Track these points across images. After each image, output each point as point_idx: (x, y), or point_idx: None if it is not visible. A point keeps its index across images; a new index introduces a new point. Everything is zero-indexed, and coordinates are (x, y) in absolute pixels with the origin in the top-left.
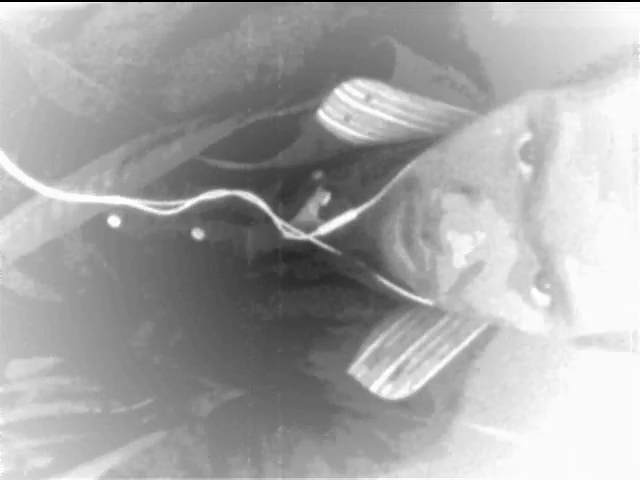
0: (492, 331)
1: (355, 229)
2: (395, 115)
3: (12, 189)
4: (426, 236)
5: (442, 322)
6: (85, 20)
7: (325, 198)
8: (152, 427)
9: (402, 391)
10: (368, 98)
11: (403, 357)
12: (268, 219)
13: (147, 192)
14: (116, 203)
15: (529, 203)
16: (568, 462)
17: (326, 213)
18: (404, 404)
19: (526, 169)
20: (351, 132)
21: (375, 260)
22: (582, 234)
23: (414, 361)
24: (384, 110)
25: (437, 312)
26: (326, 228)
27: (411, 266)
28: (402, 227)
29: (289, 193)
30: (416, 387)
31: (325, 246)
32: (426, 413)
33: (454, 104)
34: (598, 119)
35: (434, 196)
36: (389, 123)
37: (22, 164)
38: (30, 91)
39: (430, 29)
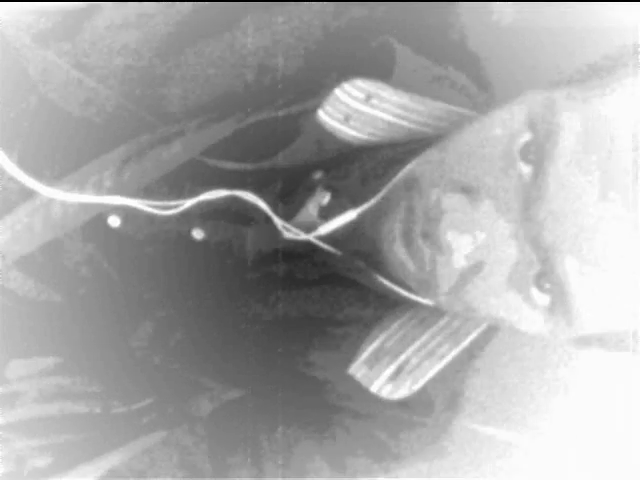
0: (492, 331)
1: (355, 229)
2: (395, 115)
3: (12, 189)
4: (426, 236)
5: (442, 322)
6: (85, 20)
7: (325, 198)
8: (152, 427)
9: (402, 391)
10: (368, 98)
11: (403, 357)
12: (268, 219)
13: (147, 192)
14: (116, 203)
15: (529, 203)
16: (568, 462)
17: (326, 213)
18: (404, 404)
19: (526, 169)
20: (351, 132)
21: (375, 260)
22: (582, 234)
23: (414, 361)
24: (384, 110)
25: (437, 312)
26: (326, 228)
27: (411, 266)
28: (402, 227)
29: (289, 193)
30: (416, 387)
31: (325, 246)
32: (426, 413)
33: (454, 104)
34: (598, 119)
35: (434, 196)
36: (389, 123)
37: (22, 164)
38: (30, 91)
39: (430, 29)
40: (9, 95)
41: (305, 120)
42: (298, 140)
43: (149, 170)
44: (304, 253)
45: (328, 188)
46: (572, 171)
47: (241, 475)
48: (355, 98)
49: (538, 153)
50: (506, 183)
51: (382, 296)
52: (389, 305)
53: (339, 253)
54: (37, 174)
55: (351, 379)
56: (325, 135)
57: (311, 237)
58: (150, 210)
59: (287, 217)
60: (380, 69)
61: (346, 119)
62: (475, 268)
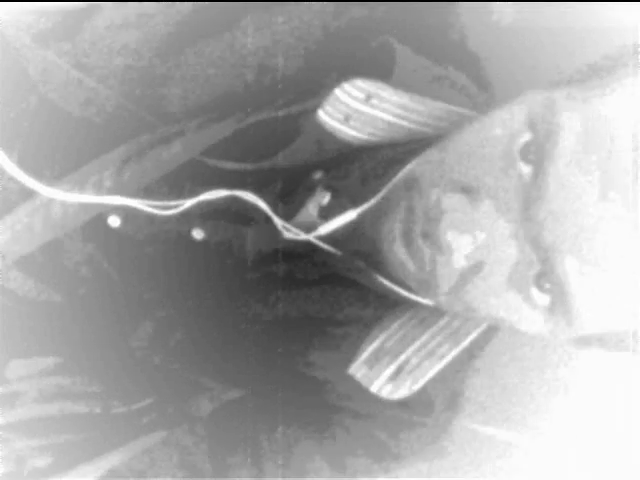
0: (492, 331)
1: (355, 229)
2: (395, 115)
3: (12, 189)
4: (426, 236)
5: (442, 322)
6: (85, 20)
7: (325, 198)
8: (152, 427)
9: (402, 391)
10: (368, 98)
11: (403, 357)
12: (268, 219)
13: (147, 192)
14: (116, 203)
15: (529, 203)
16: (568, 462)
17: (326, 213)
18: (404, 404)
19: (526, 169)
20: (351, 132)
21: (375, 260)
22: (582, 234)
23: (414, 361)
24: (384, 110)
25: (437, 312)
26: (326, 228)
27: (411, 266)
28: (402, 227)
29: (289, 193)
30: (416, 387)
31: (325, 246)
32: (426, 413)
33: (454, 104)
34: (598, 119)
35: (434, 196)
36: (389, 123)
37: (22, 164)
38: (30, 91)
39: (430, 29)
40: (9, 95)
41: (305, 120)
42: (298, 140)
43: (149, 170)
44: (304, 253)
45: (328, 188)
46: (572, 171)
47: (241, 475)
48: (355, 98)
49: (538, 153)
50: (506, 183)
51: (382, 296)
52: (389, 305)
53: (339, 253)
54: (37, 174)
55: (351, 379)
56: (325, 135)
57: (311, 237)
58: (150, 210)
59: (287, 217)
60: (380, 69)
61: (346, 119)
62: (475, 268)
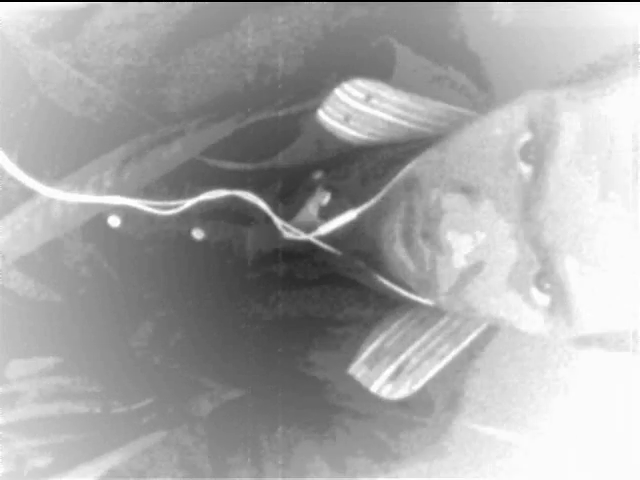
0: (492, 331)
1: (355, 229)
2: (395, 115)
3: (12, 189)
4: (426, 236)
5: (442, 322)
6: (85, 20)
7: (325, 198)
8: (152, 427)
9: (402, 391)
10: (368, 98)
11: (403, 357)
12: (268, 219)
13: (147, 192)
14: (116, 203)
15: (529, 203)
16: (568, 462)
17: (326, 213)
18: (404, 404)
19: (526, 169)
20: (351, 132)
21: (375, 260)
22: (582, 234)
23: (414, 361)
24: (384, 110)
25: (437, 312)
26: (326, 228)
27: (411, 266)
28: (402, 227)
29: (289, 193)
30: (416, 387)
31: (325, 246)
32: (426, 413)
33: (454, 104)
34: (598, 119)
35: (434, 196)
36: (389, 123)
37: (22, 164)
38: (30, 91)
39: (430, 29)
40: (9, 95)
41: (305, 120)
42: (298, 140)
43: (149, 170)
44: (304, 253)
45: (328, 188)
46: (572, 171)
47: (241, 475)
48: (355, 98)
49: (538, 153)
50: (506, 183)
51: (382, 296)
52: (389, 305)
53: (339, 253)
54: (37, 174)
55: (351, 379)
56: (325, 135)
57: (311, 237)
58: (150, 210)
59: (287, 217)
60: (380, 69)
61: (346, 119)
62: (475, 268)
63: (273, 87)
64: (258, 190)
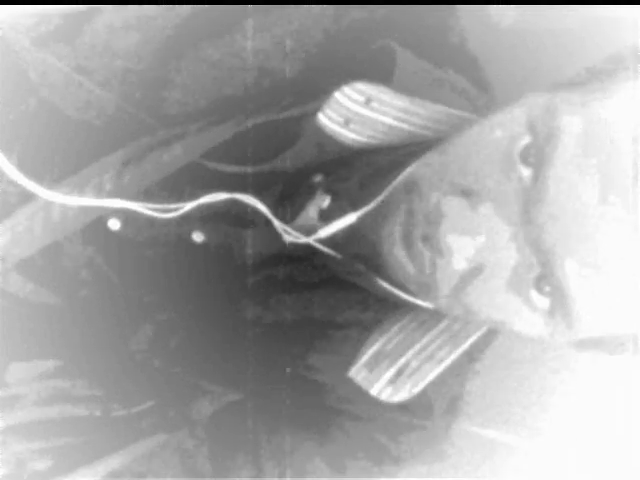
0: (492, 334)
1: (355, 232)
2: (395, 118)
3: (12, 192)
4: (426, 239)
5: (442, 325)
6: (85, 23)
7: (325, 201)
8: (152, 430)
9: (402, 394)
10: (368, 101)
11: (403, 360)
12: (268, 222)
13: (147, 195)
14: (116, 206)
15: (529, 206)
16: (568, 464)
17: (326, 216)
18: (404, 407)
19: (526, 172)
20: (351, 135)
21: (375, 263)
22: (582, 237)
23: (414, 364)
24: (384, 113)
25: (437, 315)
26: (326, 231)
27: (411, 269)
28: (402, 230)
29: (289, 196)
30: (416, 390)
31: (325, 249)
32: (426, 416)
33: (454, 107)
34: (598, 122)
35: (434, 199)
36: (389, 126)
37: (22, 167)
38: (30, 94)
39: (430, 32)
40: (9, 98)
41: (305, 123)
42: (298, 143)
43: (149, 173)
44: (304, 256)
45: (328, 191)
46: (572, 174)
47: (241, 477)
48: (355, 101)
49: (538, 156)
50: (506, 186)
51: (382, 299)
52: (389, 308)
53: (339, 256)
54: (37, 177)
55: (351, 382)
56: (325, 138)
57: (311, 240)
58: (150, 213)
59: (287, 220)
60: (380, 72)
61: (346, 122)
62: (475, 271)
63: (273, 90)
64: (258, 193)
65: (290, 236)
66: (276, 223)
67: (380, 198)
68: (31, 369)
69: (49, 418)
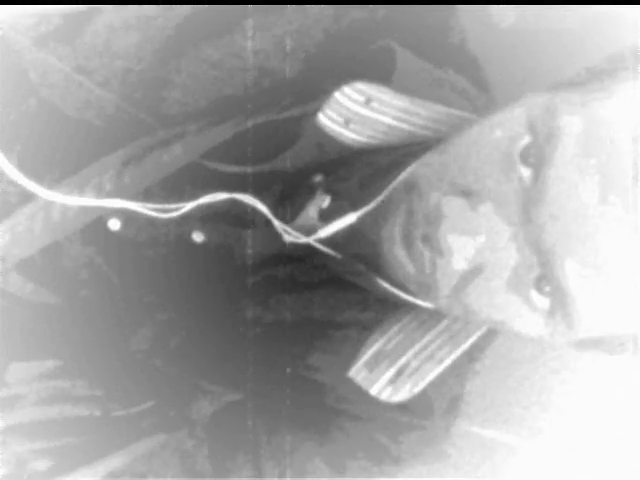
0: (492, 334)
1: (355, 232)
2: (395, 118)
3: (12, 192)
4: (426, 239)
5: (442, 325)
6: (85, 23)
7: (325, 201)
8: (152, 430)
9: (402, 394)
10: (368, 101)
11: (403, 360)
12: (268, 222)
13: (147, 195)
14: (116, 206)
15: (529, 206)
16: (568, 464)
17: (326, 216)
18: (404, 407)
19: (526, 172)
20: (351, 135)
21: (375, 263)
22: (582, 237)
23: (414, 364)
24: (384, 113)
25: (437, 315)
26: (326, 231)
27: (411, 269)
28: (402, 230)
29: (289, 196)
30: (416, 390)
31: (325, 249)
32: (426, 416)
33: (454, 107)
34: (598, 122)
35: (434, 199)
36: (389, 126)
37: (22, 167)
38: (30, 94)
39: (430, 32)
40: (9, 98)
41: (305, 123)
42: (298, 143)
43: (149, 173)
44: (304, 256)
45: (328, 191)
46: (572, 174)
47: (241, 477)
48: (355, 101)
49: (538, 156)
50: (506, 186)
51: (382, 299)
52: (389, 308)
53: (339, 256)
54: (37, 177)
55: (351, 382)
56: (325, 138)
57: (311, 240)
58: (150, 213)
59: (287, 220)
60: (380, 72)
61: (346, 122)
62: (475, 271)
63: (273, 90)
64: (258, 193)
65: (290, 236)
66: (276, 223)
67: (380, 198)
68: (31, 369)
69: (49, 418)
